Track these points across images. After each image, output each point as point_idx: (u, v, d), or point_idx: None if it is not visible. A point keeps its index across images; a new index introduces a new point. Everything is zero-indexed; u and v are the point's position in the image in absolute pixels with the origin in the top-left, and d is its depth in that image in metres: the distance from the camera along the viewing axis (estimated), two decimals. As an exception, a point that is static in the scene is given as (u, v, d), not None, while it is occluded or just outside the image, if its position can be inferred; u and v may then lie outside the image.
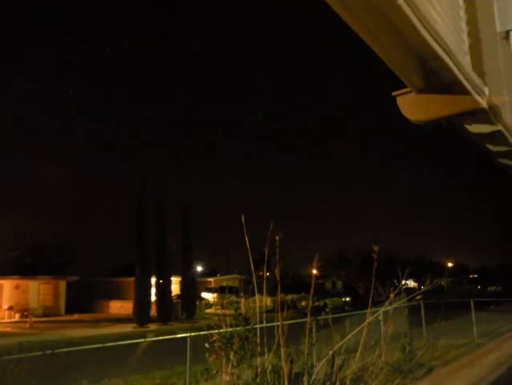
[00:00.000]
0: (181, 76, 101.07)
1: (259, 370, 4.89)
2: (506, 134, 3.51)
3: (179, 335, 8.11)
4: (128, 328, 23.41)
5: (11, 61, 71.00)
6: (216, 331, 5.10)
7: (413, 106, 3.19)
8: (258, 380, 4.83)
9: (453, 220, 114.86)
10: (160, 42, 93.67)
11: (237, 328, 4.99)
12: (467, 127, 3.50)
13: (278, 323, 4.88)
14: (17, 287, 31.70)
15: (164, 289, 26.52)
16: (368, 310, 5.46)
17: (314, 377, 5.00)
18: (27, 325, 25.02)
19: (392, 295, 5.70)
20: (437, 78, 2.85)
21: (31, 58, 76.54)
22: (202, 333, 5.76)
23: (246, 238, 5.26)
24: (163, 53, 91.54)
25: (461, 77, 2.78)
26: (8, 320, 28.78)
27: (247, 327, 4.99)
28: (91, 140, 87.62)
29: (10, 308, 29.99)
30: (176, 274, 29.07)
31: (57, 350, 6.51)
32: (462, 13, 3.06)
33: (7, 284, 31.41)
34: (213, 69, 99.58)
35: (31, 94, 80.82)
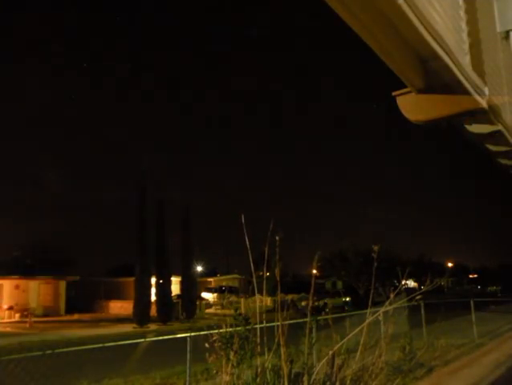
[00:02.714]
0: (181, 75, 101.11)
1: (259, 370, 4.89)
2: (506, 134, 3.50)
3: (179, 335, 8.11)
4: (128, 328, 23.42)
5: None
6: (216, 331, 5.10)
7: (413, 106, 3.18)
8: (258, 380, 4.83)
9: (453, 220, 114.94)
10: (160, 43, 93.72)
11: (237, 328, 4.99)
12: (467, 127, 3.49)
13: (278, 323, 4.88)
14: (17, 287, 31.70)
15: (164, 289, 26.51)
16: (368, 310, 5.46)
17: (314, 377, 5.00)
18: (27, 325, 25.02)
19: (392, 295, 5.70)
20: (437, 78, 2.85)
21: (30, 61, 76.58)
22: (202, 333, 5.76)
23: (246, 238, 5.26)
24: (164, 53, 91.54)
25: (461, 77, 2.78)
26: (8, 320, 28.78)
27: (247, 327, 4.99)
28: (92, 140, 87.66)
29: (10, 308, 29.99)
30: (176, 274, 29.05)
31: (57, 350, 6.50)
32: (462, 13, 3.05)
33: (7, 284, 31.40)
34: (213, 67, 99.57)
35: (31, 93, 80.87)
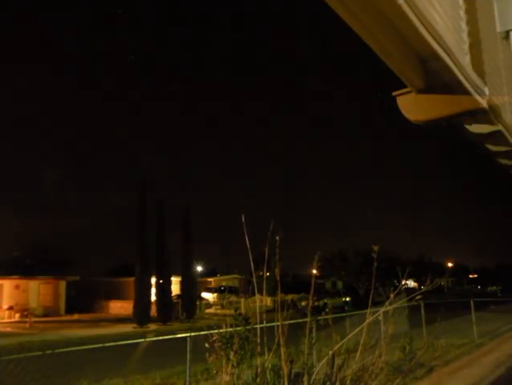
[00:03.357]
0: (181, 75, 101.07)
1: (259, 370, 4.89)
2: (506, 134, 3.50)
3: (179, 335, 8.11)
4: (128, 328, 23.41)
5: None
6: (216, 331, 5.10)
7: (413, 106, 3.18)
8: (258, 380, 4.83)
9: (453, 220, 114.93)
10: (161, 43, 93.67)
11: (237, 328, 4.99)
12: (467, 127, 3.49)
13: (278, 323, 4.88)
14: (17, 287, 31.69)
15: (164, 289, 26.50)
16: (368, 310, 5.45)
17: (314, 377, 5.00)
18: (27, 325, 25.02)
19: (392, 295, 5.70)
20: (437, 78, 2.85)
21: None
22: (202, 333, 5.76)
23: (246, 238, 5.26)
24: (164, 52, 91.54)
25: (461, 77, 2.78)
26: (8, 320, 28.78)
27: (247, 327, 4.99)
28: (92, 140, 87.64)
29: (10, 308, 29.98)
30: (176, 274, 29.05)
31: (57, 350, 6.51)
32: (462, 13, 3.05)
33: (7, 284, 31.39)
34: (213, 65, 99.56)
35: (31, 92, 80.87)
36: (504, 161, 4.30)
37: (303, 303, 30.32)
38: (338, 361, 5.29)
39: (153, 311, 26.04)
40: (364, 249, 42.34)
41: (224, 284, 45.78)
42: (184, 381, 8.07)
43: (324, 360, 5.25)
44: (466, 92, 2.91)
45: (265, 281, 5.15)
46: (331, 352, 5.19)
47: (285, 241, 4.96)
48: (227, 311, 25.72)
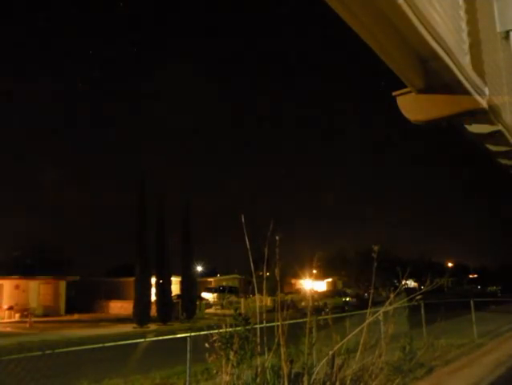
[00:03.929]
0: (180, 75, 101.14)
1: (259, 370, 4.89)
2: (506, 134, 3.50)
3: (179, 335, 8.12)
4: (128, 328, 23.42)
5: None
6: (216, 331, 5.10)
7: (413, 106, 3.18)
8: (257, 380, 4.83)
9: (453, 220, 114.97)
10: (160, 43, 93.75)
11: (237, 328, 4.99)
12: (467, 127, 3.49)
13: (278, 323, 4.88)
14: (17, 287, 31.71)
15: (164, 289, 26.51)
16: (368, 310, 5.46)
17: (314, 377, 5.00)
18: (27, 325, 25.03)
19: (392, 295, 5.70)
20: (437, 78, 2.85)
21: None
22: (202, 333, 5.76)
23: (246, 238, 5.26)
24: (164, 52, 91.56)
25: (461, 77, 2.78)
26: (8, 320, 28.78)
27: (247, 327, 4.99)
28: (92, 140, 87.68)
29: (10, 308, 30.00)
30: (176, 274, 29.06)
31: (57, 350, 6.51)
32: (462, 13, 3.05)
33: (7, 284, 31.41)
34: (214, 67, 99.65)
35: (31, 90, 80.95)
36: (504, 161, 4.30)
37: (303, 303, 30.31)
38: (338, 361, 5.29)
39: (153, 311, 26.05)
40: (364, 249, 42.37)
41: (224, 284, 45.80)
42: (184, 381, 8.07)
43: (324, 360, 5.25)
44: (466, 92, 2.91)
45: (265, 281, 5.16)
46: (331, 352, 5.19)
47: (285, 241, 4.97)
48: (227, 311, 25.69)
